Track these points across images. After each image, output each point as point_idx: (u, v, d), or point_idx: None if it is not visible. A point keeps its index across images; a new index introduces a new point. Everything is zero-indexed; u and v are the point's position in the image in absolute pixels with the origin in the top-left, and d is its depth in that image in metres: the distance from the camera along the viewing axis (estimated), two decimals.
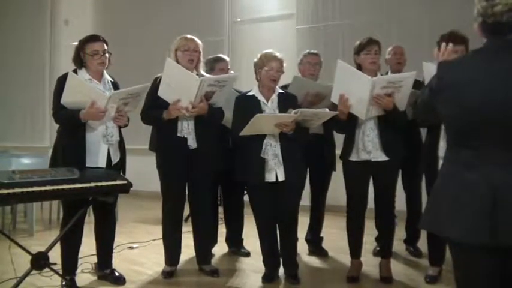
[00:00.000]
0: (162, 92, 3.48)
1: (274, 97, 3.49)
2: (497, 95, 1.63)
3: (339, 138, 4.13)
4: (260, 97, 3.49)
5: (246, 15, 7.29)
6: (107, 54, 3.42)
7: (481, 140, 1.67)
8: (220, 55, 4.33)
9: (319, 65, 4.24)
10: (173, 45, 3.60)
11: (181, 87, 3.41)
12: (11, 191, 2.75)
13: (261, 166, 3.40)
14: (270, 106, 3.47)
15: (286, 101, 3.47)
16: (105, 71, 3.50)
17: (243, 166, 3.54)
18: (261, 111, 3.40)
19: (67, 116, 3.32)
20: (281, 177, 3.41)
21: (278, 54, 3.50)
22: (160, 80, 3.51)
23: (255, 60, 3.53)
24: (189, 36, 3.61)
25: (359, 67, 3.46)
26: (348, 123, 3.44)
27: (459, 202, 1.68)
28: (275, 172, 3.41)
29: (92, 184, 3.07)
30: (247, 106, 3.38)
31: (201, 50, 3.61)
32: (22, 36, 9.18)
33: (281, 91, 3.54)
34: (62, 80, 3.31)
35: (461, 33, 3.25)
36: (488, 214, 1.61)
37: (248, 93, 3.56)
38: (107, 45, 3.44)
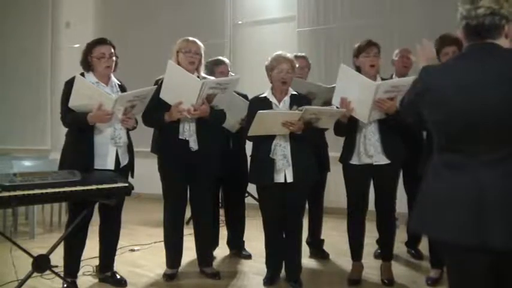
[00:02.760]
0: (164, 94, 3.49)
1: (287, 99, 3.48)
2: (481, 99, 1.65)
3: (331, 139, 4.14)
4: (272, 99, 3.48)
5: (247, 17, 7.30)
6: (114, 58, 3.43)
7: (467, 142, 1.69)
8: (220, 58, 4.27)
9: (306, 68, 4.25)
10: (174, 47, 3.60)
11: (183, 90, 3.41)
12: (12, 193, 2.75)
13: (270, 167, 3.39)
14: (282, 107, 3.45)
15: (299, 103, 3.42)
16: (112, 74, 3.51)
17: (253, 167, 3.55)
18: None
19: (75, 119, 3.34)
20: (290, 179, 3.40)
21: (288, 55, 3.49)
22: (161, 82, 3.52)
23: (266, 63, 3.52)
24: (190, 38, 3.61)
25: (358, 69, 3.46)
26: (349, 127, 3.44)
27: (447, 204, 1.69)
28: (284, 173, 3.41)
29: (93, 187, 3.06)
30: (259, 108, 3.34)
31: (202, 52, 3.61)
32: (23, 39, 9.18)
33: (294, 93, 3.51)
34: (69, 84, 3.33)
35: (452, 35, 3.27)
36: (476, 215, 1.63)
37: (261, 95, 3.55)
38: (114, 48, 3.45)
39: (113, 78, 3.53)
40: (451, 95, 1.70)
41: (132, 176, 3.57)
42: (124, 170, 3.48)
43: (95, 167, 3.33)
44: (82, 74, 3.41)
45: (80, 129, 3.34)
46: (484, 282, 1.70)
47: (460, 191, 1.67)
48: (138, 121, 3.57)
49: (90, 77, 3.42)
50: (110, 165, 3.40)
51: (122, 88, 3.56)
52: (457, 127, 1.70)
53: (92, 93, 3.27)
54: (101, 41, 3.44)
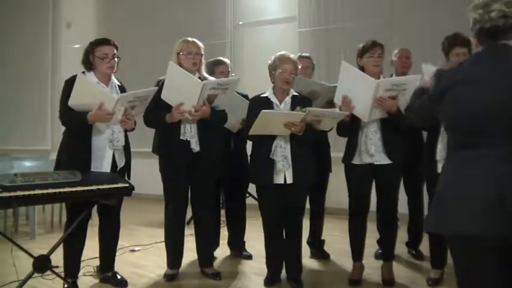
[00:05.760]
0: (165, 95, 3.49)
1: (288, 99, 3.47)
2: (499, 95, 1.70)
3: (333, 139, 4.14)
4: (273, 99, 3.47)
5: (248, 18, 7.31)
6: (116, 59, 3.42)
7: (483, 137, 1.73)
8: (221, 58, 4.27)
9: (310, 68, 4.25)
10: (175, 48, 3.60)
11: (184, 91, 3.41)
12: (13, 194, 2.75)
13: (270, 167, 3.39)
14: (283, 108, 3.44)
15: (300, 103, 3.41)
16: (112, 75, 3.50)
17: (252, 167, 3.56)
18: None
19: (74, 117, 3.32)
20: (289, 180, 3.40)
21: (292, 56, 3.48)
22: (163, 82, 3.51)
23: (269, 62, 3.50)
24: (190, 39, 3.60)
25: (362, 69, 3.46)
26: (351, 126, 3.44)
27: (468, 199, 1.71)
28: (284, 174, 3.41)
29: (94, 187, 3.06)
30: (260, 107, 3.33)
31: (202, 52, 3.61)
32: (24, 39, 9.20)
33: (295, 93, 3.51)
34: (70, 82, 3.31)
35: (465, 36, 3.27)
36: (498, 207, 1.65)
37: (262, 95, 3.55)
38: (117, 49, 3.44)
39: (113, 79, 3.52)
40: (469, 91, 1.76)
41: (129, 178, 3.55)
42: (120, 172, 3.46)
43: (91, 169, 3.31)
44: (82, 73, 3.39)
45: (78, 129, 3.33)
46: (498, 281, 1.73)
47: (479, 185, 1.70)
48: (137, 122, 3.54)
49: (91, 76, 3.40)
50: (106, 167, 3.38)
51: (122, 89, 3.55)
52: (474, 122, 1.75)
53: (93, 92, 3.26)
54: (104, 41, 3.43)
